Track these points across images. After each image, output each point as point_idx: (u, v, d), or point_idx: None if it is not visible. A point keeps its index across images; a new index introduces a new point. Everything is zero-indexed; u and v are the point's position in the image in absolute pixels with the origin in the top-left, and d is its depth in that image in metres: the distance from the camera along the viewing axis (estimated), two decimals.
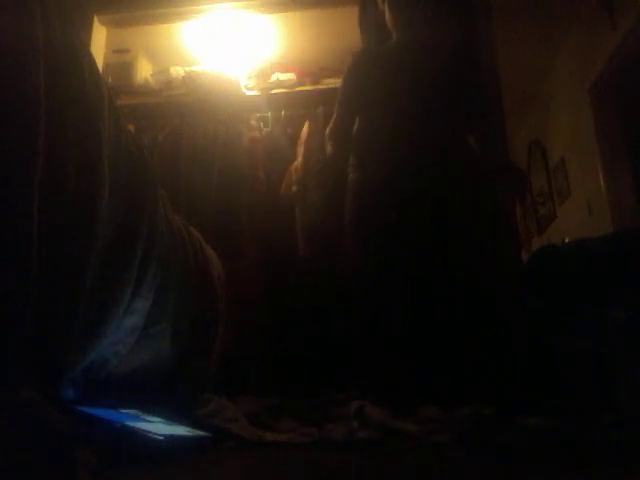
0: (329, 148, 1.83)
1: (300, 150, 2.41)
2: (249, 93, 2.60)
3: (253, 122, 2.56)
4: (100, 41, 2.58)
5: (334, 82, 2.38)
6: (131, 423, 0.80)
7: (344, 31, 2.31)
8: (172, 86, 2.67)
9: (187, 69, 2.66)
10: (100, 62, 2.52)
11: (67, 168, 0.71)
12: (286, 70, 2.66)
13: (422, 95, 1.69)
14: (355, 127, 1.76)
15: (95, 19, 2.51)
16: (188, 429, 0.96)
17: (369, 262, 1.61)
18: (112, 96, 0.88)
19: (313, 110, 2.48)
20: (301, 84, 2.60)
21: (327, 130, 1.85)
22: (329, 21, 2.63)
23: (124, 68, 2.67)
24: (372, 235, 1.62)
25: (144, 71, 2.76)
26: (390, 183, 1.61)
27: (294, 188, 2.32)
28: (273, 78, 2.61)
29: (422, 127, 1.66)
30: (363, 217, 1.66)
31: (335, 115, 1.82)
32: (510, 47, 2.99)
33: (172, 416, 0.96)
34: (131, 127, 2.51)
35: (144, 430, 0.79)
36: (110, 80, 2.55)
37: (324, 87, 2.53)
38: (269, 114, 2.55)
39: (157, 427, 0.86)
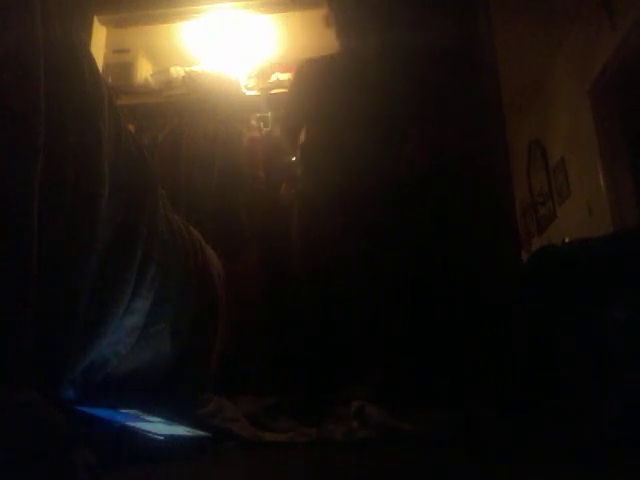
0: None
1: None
2: (249, 93, 2.60)
3: (253, 122, 2.56)
4: (100, 41, 2.58)
5: None
6: (131, 423, 0.80)
7: None
8: (172, 86, 2.67)
9: (187, 69, 2.66)
10: (100, 62, 2.52)
11: (67, 168, 0.71)
12: (286, 70, 2.66)
13: (365, 107, 1.67)
14: (301, 140, 1.77)
15: (95, 19, 2.51)
16: (188, 429, 0.96)
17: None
18: (112, 96, 0.88)
19: None
20: None
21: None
22: None
23: (124, 68, 2.67)
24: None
25: (144, 71, 2.76)
26: (337, 195, 1.61)
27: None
28: (273, 78, 2.62)
29: (366, 141, 1.64)
30: (312, 227, 1.67)
31: (283, 127, 1.83)
32: (510, 47, 2.99)
33: (172, 416, 0.96)
34: (131, 127, 2.51)
35: (144, 430, 0.79)
36: (110, 80, 2.55)
37: None
38: (269, 114, 2.55)
39: (157, 427, 0.86)
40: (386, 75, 1.68)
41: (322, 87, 1.73)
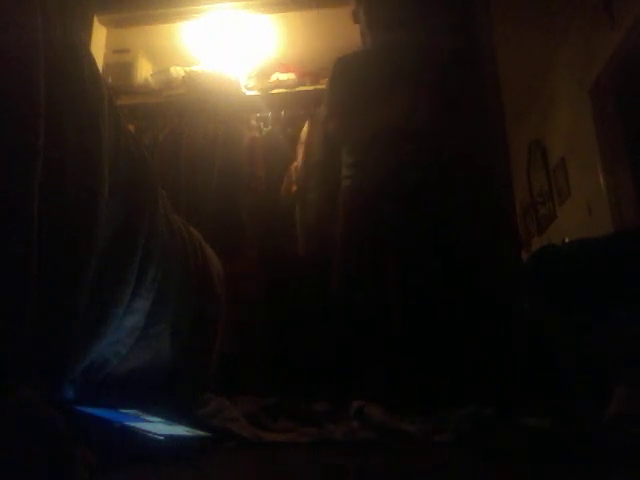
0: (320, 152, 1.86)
1: (300, 150, 2.41)
2: (249, 93, 2.60)
3: (253, 122, 2.56)
4: (100, 41, 2.58)
5: None
6: (131, 423, 0.80)
7: (344, 31, 2.32)
8: (172, 86, 2.67)
9: (187, 69, 2.66)
10: (100, 62, 2.52)
11: (67, 168, 0.71)
12: (286, 70, 2.66)
13: (404, 98, 1.68)
14: (344, 134, 1.78)
15: (95, 19, 2.51)
16: (188, 429, 0.96)
17: (376, 265, 1.61)
18: (112, 96, 0.88)
19: (313, 110, 2.48)
20: (301, 84, 2.60)
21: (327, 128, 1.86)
22: (329, 21, 2.63)
23: (124, 68, 2.67)
24: (365, 241, 1.62)
25: (144, 71, 2.76)
26: (384, 190, 1.62)
27: (294, 188, 2.32)
28: (273, 78, 2.61)
29: (408, 132, 1.66)
30: (356, 224, 1.67)
31: (324, 123, 1.85)
32: (510, 47, 2.99)
33: (172, 416, 0.96)
34: (131, 127, 2.51)
35: (144, 430, 0.79)
36: (110, 80, 2.55)
37: (324, 87, 2.52)
38: (269, 114, 2.55)
39: (157, 427, 0.86)
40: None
41: (359, 80, 1.76)
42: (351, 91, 1.78)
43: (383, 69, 1.74)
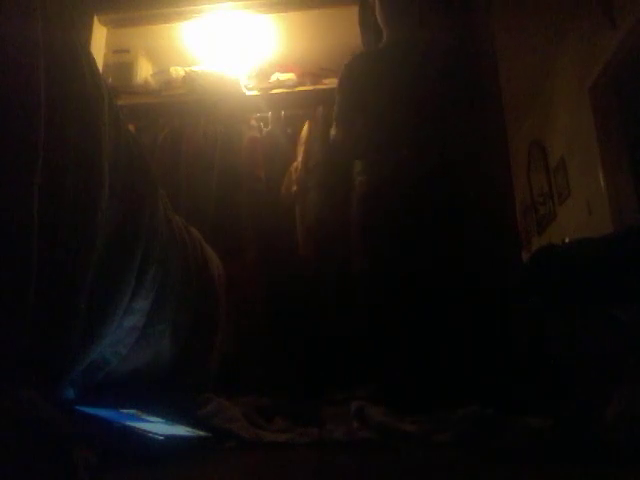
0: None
1: (300, 150, 2.41)
2: (249, 93, 2.60)
3: (253, 122, 2.56)
4: (100, 41, 2.58)
5: (334, 82, 2.38)
6: (131, 423, 0.80)
7: (344, 31, 2.32)
8: (172, 86, 2.67)
9: (187, 69, 2.66)
10: (100, 62, 2.52)
11: (67, 168, 0.71)
12: (286, 70, 2.66)
13: (419, 96, 1.68)
14: (357, 132, 1.77)
15: (95, 19, 2.51)
16: (188, 429, 0.96)
17: (376, 265, 1.61)
18: (112, 96, 0.88)
19: (313, 110, 2.48)
20: (301, 84, 2.60)
21: (331, 137, 1.85)
22: (329, 21, 2.63)
23: (124, 68, 2.67)
24: (379, 239, 1.62)
25: (144, 71, 2.76)
26: (397, 186, 1.61)
27: (294, 188, 2.32)
28: (273, 78, 2.62)
29: (422, 128, 1.65)
30: (371, 221, 1.66)
31: (336, 121, 1.83)
32: (510, 47, 3.00)
33: (172, 416, 0.96)
34: (131, 127, 2.51)
35: (144, 430, 0.79)
36: (110, 80, 2.55)
37: (324, 87, 2.53)
38: (269, 114, 2.55)
39: (157, 427, 0.86)
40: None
41: (372, 79, 1.74)
42: (359, 96, 1.77)
43: (394, 70, 1.73)
